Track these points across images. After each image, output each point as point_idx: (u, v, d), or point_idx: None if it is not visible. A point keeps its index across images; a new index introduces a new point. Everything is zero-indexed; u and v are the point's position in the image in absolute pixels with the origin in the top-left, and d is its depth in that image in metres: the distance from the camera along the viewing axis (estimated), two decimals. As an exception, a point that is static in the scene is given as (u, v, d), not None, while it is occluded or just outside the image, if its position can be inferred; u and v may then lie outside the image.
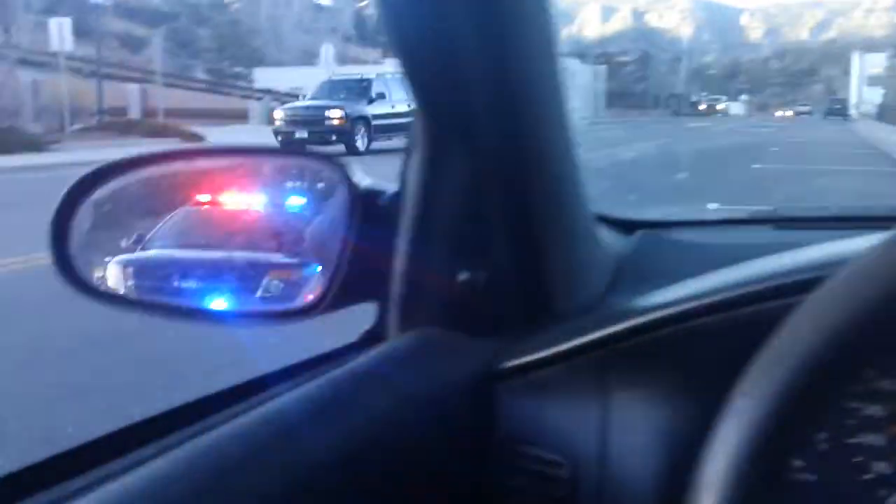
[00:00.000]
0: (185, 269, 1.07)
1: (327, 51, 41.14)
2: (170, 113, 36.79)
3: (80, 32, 32.37)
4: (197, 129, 30.43)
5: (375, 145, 22.79)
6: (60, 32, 27.64)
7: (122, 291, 1.03)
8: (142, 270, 1.06)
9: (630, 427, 0.86)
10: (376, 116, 23.19)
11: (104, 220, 1.03)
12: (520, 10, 0.91)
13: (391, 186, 1.02)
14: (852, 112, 64.11)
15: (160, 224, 1.06)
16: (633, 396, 0.87)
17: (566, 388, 0.90)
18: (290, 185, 1.12)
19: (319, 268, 1.03)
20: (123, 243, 1.05)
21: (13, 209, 13.00)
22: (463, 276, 0.97)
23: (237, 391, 0.88)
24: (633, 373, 0.88)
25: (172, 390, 4.79)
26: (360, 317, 1.06)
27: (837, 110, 64.81)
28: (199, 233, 1.08)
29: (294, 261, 1.07)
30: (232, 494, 0.66)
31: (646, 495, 0.85)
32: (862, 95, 70.87)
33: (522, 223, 0.98)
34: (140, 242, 1.05)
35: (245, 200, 1.10)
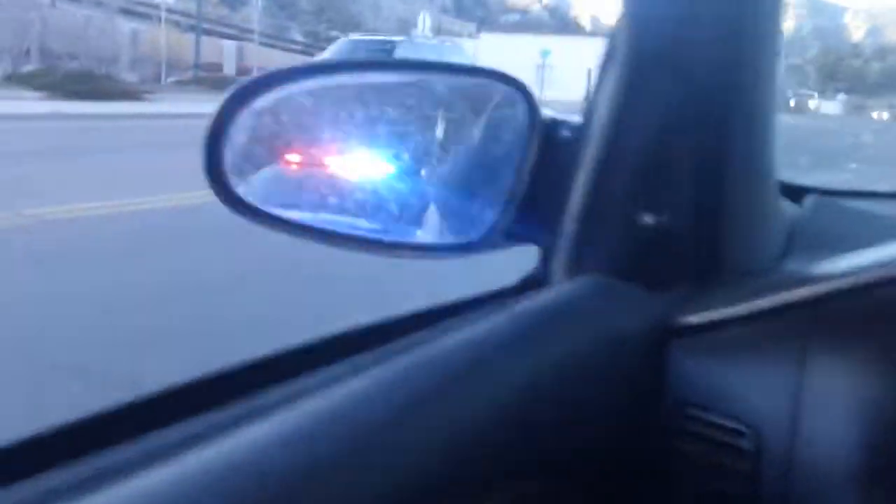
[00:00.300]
0: (346, 190, 1.01)
1: (424, 20, 41.14)
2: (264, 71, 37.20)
3: (182, -14, 32.84)
4: (289, 89, 30.72)
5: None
6: (165, -15, 28.11)
7: (276, 211, 0.96)
8: (298, 187, 1.00)
9: (826, 397, 0.78)
10: (394, 84, 22.43)
11: (264, 132, 0.97)
12: None
13: (574, 117, 0.95)
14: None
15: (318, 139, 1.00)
16: (831, 364, 0.79)
17: (754, 350, 0.82)
18: (462, 106, 1.05)
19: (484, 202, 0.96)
20: (281, 159, 1.00)
21: (117, 153, 13.29)
22: (645, 220, 0.89)
23: (383, 329, 0.81)
24: (833, 339, 0.80)
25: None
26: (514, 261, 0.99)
27: None
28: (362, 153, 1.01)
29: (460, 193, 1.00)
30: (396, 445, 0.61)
31: (841, 472, 0.76)
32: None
33: (711, 172, 0.90)
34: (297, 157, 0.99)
35: (414, 120, 1.03)
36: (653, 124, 0.88)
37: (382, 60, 1.00)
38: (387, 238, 1.00)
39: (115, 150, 13.82)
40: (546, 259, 0.96)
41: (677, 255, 0.91)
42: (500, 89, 0.97)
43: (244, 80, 0.88)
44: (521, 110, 0.94)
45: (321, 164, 1.01)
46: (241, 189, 0.92)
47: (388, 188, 0.99)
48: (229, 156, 0.90)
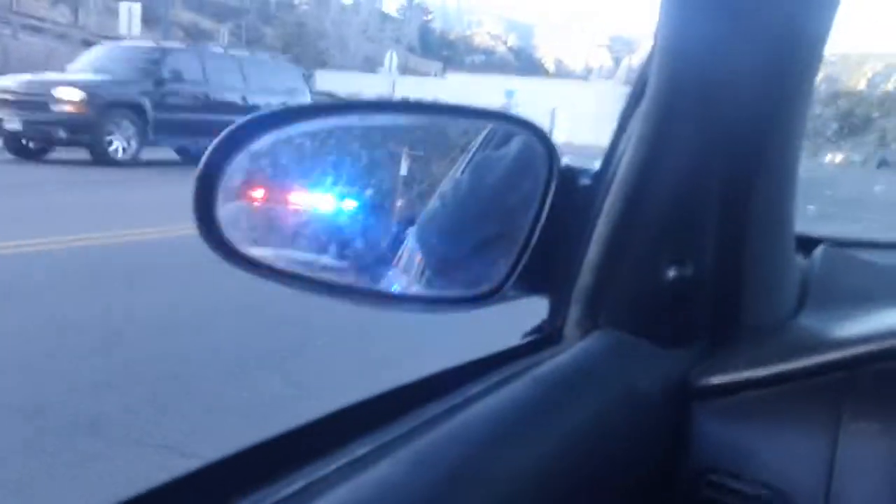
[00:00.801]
0: (347, 237, 0.96)
1: (391, 58, 41.33)
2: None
3: (147, 20, 32.73)
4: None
5: (151, 154, 15.75)
6: (130, 17, 27.93)
7: (273, 261, 0.91)
8: (296, 232, 0.95)
9: (862, 463, 0.74)
10: (163, 106, 15.70)
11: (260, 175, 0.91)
12: (802, 15, 0.82)
13: (593, 164, 0.91)
14: (902, 164, 63.76)
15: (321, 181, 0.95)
16: (868, 429, 0.75)
17: (784, 414, 0.78)
18: (475, 149, 1.00)
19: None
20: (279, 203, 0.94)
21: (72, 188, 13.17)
22: (667, 272, 0.84)
23: (406, 393, 0.76)
24: (870, 403, 0.76)
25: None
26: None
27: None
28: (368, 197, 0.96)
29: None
30: None
31: None
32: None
33: (734, 223, 0.86)
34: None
35: (424, 165, 0.99)
36: (679, 172, 0.84)
37: (390, 101, 0.94)
38: (390, 290, 0.95)
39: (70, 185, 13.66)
40: (556, 311, 0.91)
41: (695, 310, 0.87)
42: (518, 132, 0.93)
43: (239, 121, 0.82)
44: (538, 156, 0.89)
45: (284, 201, 0.97)
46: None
47: (353, 226, 0.95)
48: (221, 199, 0.85)
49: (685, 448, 0.79)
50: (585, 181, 0.92)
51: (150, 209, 10.48)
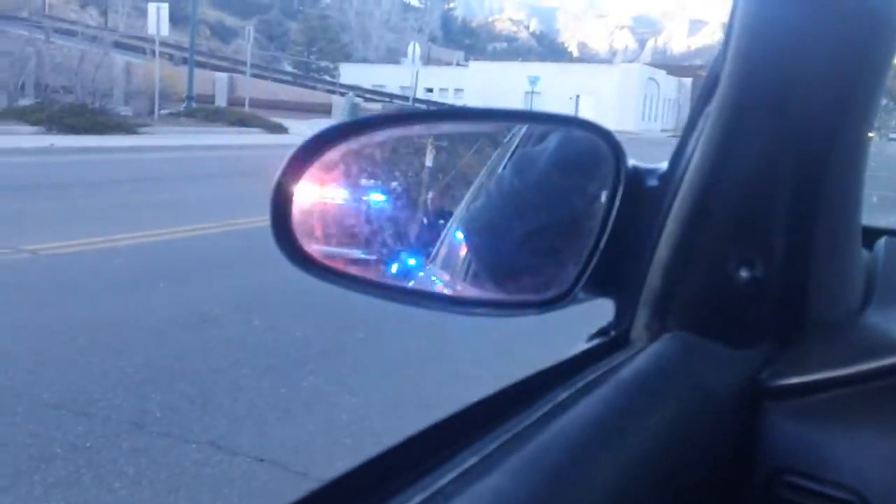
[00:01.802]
0: (421, 242, 0.96)
1: (414, 48, 41.24)
2: (255, 103, 37.33)
3: (174, 19, 32.94)
4: (281, 119, 30.90)
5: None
6: (158, 17, 28.06)
7: (348, 267, 0.91)
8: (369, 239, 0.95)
9: None
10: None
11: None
12: (884, 7, 0.81)
13: (660, 165, 0.90)
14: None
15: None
16: None
17: (862, 414, 0.77)
18: (515, 145, 1.00)
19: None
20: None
21: (112, 187, 13.28)
22: (737, 273, 0.84)
23: (497, 402, 0.76)
24: None
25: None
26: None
27: None
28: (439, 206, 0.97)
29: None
30: None
31: None
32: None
33: (803, 219, 0.85)
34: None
35: (449, 156, 0.99)
36: (748, 172, 0.83)
37: (459, 109, 0.94)
38: (461, 294, 0.95)
39: (114, 183, 13.80)
40: (623, 313, 0.91)
41: (763, 309, 0.86)
42: (585, 136, 0.92)
43: (312, 134, 0.83)
44: (605, 158, 0.89)
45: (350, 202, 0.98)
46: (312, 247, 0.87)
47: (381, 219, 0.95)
48: (297, 214, 0.85)
49: (759, 449, 0.79)
50: (653, 182, 0.91)
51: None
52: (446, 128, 0.99)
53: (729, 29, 0.83)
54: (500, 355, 5.19)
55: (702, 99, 0.87)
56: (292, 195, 0.84)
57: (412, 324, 5.60)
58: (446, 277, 1.00)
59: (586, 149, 0.91)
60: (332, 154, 0.86)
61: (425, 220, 1.00)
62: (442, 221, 1.01)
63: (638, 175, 0.91)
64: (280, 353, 5.39)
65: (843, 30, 0.80)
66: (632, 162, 0.90)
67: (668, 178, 0.89)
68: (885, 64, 0.84)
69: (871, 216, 1.19)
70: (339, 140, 0.87)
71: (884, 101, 1.01)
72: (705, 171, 0.84)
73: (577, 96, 61.77)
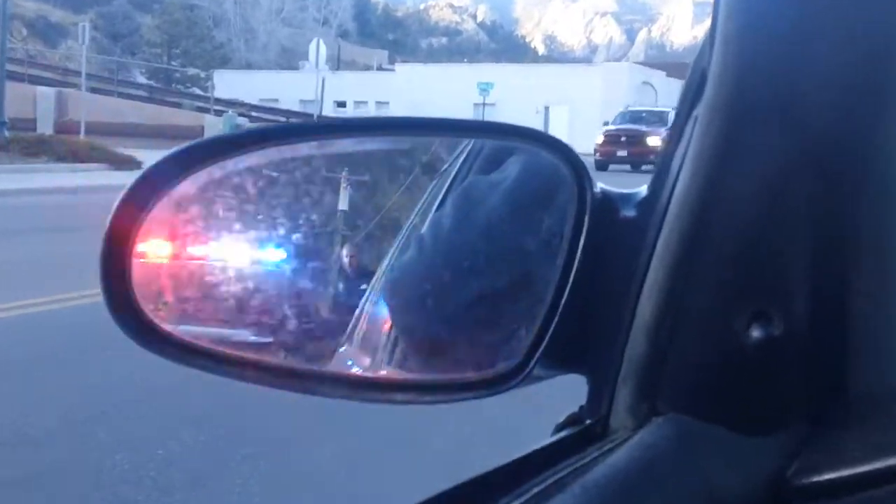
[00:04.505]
0: (272, 302, 0.98)
1: (318, 49, 41.34)
2: (95, 128, 36.97)
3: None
4: (132, 151, 30.61)
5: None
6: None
7: (209, 343, 0.92)
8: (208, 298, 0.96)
9: None
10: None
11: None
12: None
13: (638, 190, 0.92)
14: None
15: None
16: None
17: None
18: (454, 173, 1.02)
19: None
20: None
21: None
22: (747, 333, 0.86)
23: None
24: None
25: None
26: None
27: None
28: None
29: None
30: None
31: None
32: None
33: (833, 261, 0.87)
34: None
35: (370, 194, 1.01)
36: (756, 196, 0.85)
37: (364, 120, 0.93)
38: (377, 375, 0.96)
39: None
40: (598, 393, 0.92)
41: (788, 383, 0.88)
42: (536, 152, 0.95)
43: (161, 158, 0.84)
44: (563, 182, 0.91)
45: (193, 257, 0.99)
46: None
47: (280, 286, 0.97)
48: (140, 274, 0.86)
49: None
50: (629, 212, 0.93)
51: None
52: (346, 145, 1.00)
53: (715, 12, 0.86)
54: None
55: (686, 101, 0.89)
56: (132, 248, 0.85)
57: (328, 426, 5.63)
58: (366, 362, 1.00)
59: (547, 173, 0.93)
60: (189, 187, 0.87)
61: (340, 286, 1.01)
62: (363, 286, 1.02)
63: (609, 203, 0.93)
64: (137, 483, 5.30)
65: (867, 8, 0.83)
66: (600, 186, 0.92)
67: (650, 207, 0.90)
68: None
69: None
70: (198, 165, 0.88)
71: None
72: (696, 197, 0.86)
73: (546, 108, 62.28)
